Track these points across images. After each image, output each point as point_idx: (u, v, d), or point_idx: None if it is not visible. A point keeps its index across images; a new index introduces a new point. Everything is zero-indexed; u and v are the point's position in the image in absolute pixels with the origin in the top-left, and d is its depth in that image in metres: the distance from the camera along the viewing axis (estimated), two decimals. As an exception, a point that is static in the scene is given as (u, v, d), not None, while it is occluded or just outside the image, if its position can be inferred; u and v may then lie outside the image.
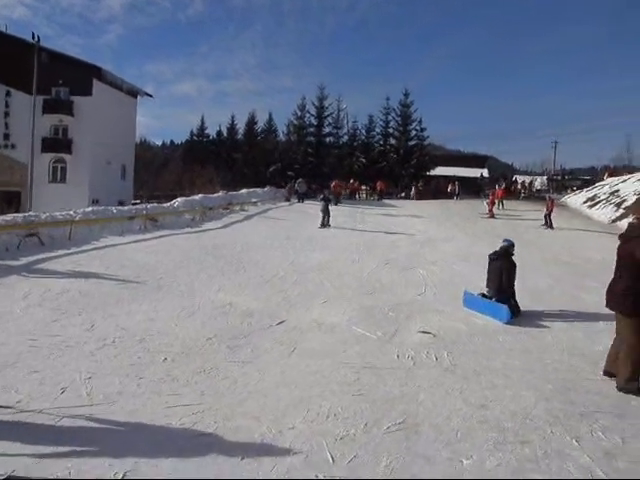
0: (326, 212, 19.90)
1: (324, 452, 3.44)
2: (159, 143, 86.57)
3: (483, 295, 8.25)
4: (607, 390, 4.68)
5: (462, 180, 41.84)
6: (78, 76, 33.29)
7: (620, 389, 4.78)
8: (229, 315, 7.67)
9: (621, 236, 5.20)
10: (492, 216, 25.15)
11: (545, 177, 51.49)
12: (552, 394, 4.70)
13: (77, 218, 14.75)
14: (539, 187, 43.30)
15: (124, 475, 3.12)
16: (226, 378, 5.09)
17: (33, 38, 31.39)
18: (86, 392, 4.62)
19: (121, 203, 29.66)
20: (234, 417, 4.09)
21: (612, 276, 5.12)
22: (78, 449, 3.51)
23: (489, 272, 8.33)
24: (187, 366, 5.42)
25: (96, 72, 34.17)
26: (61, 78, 33.02)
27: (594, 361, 5.72)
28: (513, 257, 8.38)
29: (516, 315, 7.80)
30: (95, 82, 34.04)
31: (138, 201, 34.22)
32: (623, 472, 3.32)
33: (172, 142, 78.45)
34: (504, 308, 7.62)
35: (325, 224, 19.65)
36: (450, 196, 35.99)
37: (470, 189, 39.55)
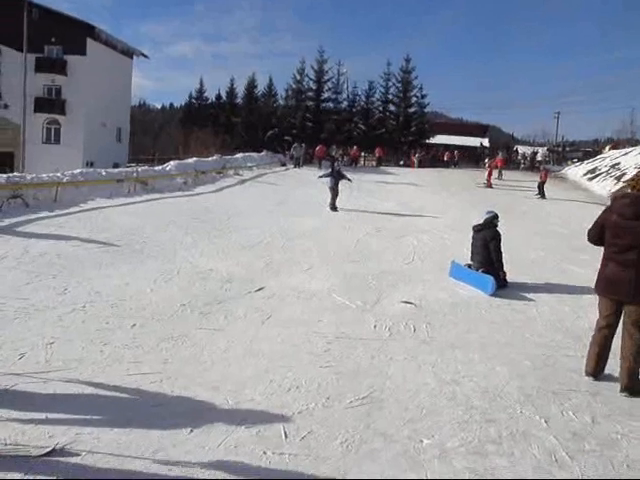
0: (335, 191, 15.55)
1: (278, 427, 3.28)
2: (159, 106, 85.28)
3: (469, 266, 8.05)
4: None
5: (462, 149, 41.33)
6: (71, 34, 32.48)
7: (631, 391, 4.12)
8: (208, 280, 7.48)
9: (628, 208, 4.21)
10: (490, 186, 24.85)
11: (546, 148, 50.63)
12: (528, 370, 4.52)
13: (64, 180, 14.43)
14: (540, 158, 42.63)
15: (63, 447, 2.95)
16: (193, 346, 4.92)
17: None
18: (45, 358, 4.45)
19: (116, 166, 29.19)
20: (193, 387, 3.92)
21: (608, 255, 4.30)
22: (23, 417, 3.34)
23: (473, 244, 8.11)
24: (155, 333, 5.24)
25: (90, 31, 33.35)
26: (54, 36, 32.21)
27: (577, 336, 5.55)
28: (497, 228, 8.12)
29: (503, 287, 7.62)
30: (89, 41, 33.25)
31: (134, 164, 33.80)
32: (588, 453, 3.15)
33: (172, 105, 77.34)
34: (489, 279, 7.42)
35: (333, 206, 15.38)
36: (448, 165, 35.47)
37: (470, 158, 39.00)
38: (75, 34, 32.50)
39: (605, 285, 4.34)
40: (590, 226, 4.58)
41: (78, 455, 2.87)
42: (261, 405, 3.63)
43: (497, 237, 7.93)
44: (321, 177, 16.48)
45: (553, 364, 4.70)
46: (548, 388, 4.12)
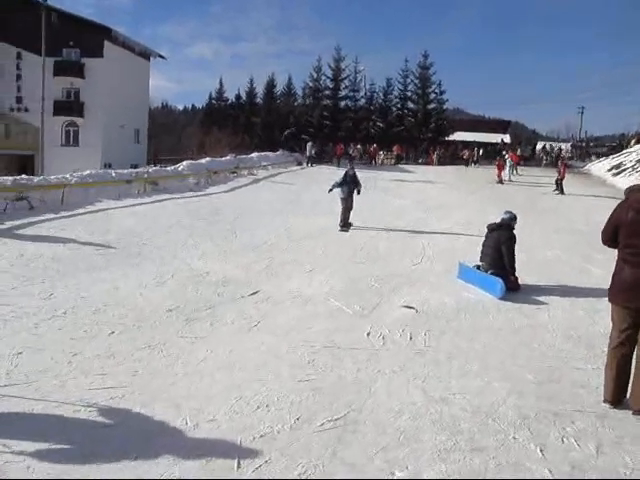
0: (348, 203, 12.00)
1: (233, 454, 2.91)
2: (181, 107, 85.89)
3: (478, 267, 7.57)
4: (596, 383, 3.97)
5: (482, 145, 40.32)
6: (89, 38, 32.63)
7: None
8: (202, 284, 7.18)
9: None
10: (500, 182, 24.36)
11: (569, 144, 49.14)
12: (529, 386, 4.05)
13: (73, 181, 14.35)
14: (563, 154, 41.36)
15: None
16: (168, 356, 4.61)
17: (41, -3, 30.65)
18: (7, 370, 4.17)
19: (134, 167, 29.22)
20: (154, 404, 3.60)
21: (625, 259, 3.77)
22: None
23: (484, 244, 7.61)
24: (133, 341, 4.95)
25: (107, 33, 33.43)
26: (71, 39, 32.39)
27: (590, 345, 5.07)
28: (514, 231, 7.61)
29: (514, 290, 7.13)
30: (106, 43, 33.34)
31: (153, 165, 33.80)
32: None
33: (193, 106, 77.62)
34: (498, 282, 6.94)
35: (346, 222, 11.99)
36: (467, 163, 34.56)
37: (490, 155, 38.00)
38: (92, 37, 32.64)
39: (621, 293, 3.76)
40: (603, 225, 4.04)
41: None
42: (221, 427, 3.27)
43: (511, 239, 7.41)
44: (331, 190, 12.36)
45: (559, 379, 4.21)
46: (550, 408, 3.63)
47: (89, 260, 8.15)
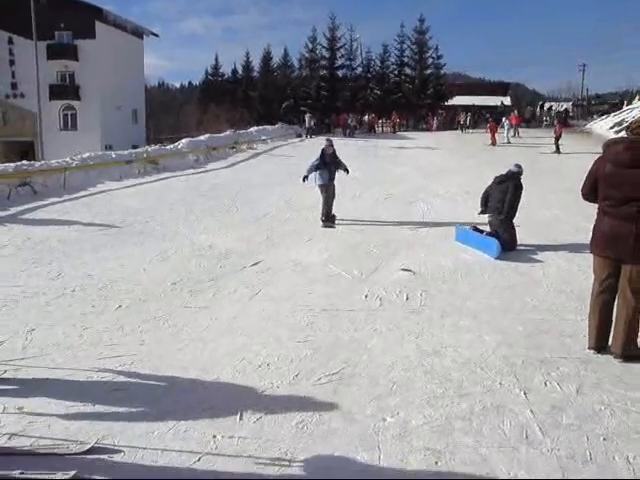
0: (330, 191, 9.58)
1: (235, 408, 3.12)
2: (177, 85, 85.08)
3: (475, 228, 7.71)
4: (583, 332, 4.13)
5: (482, 109, 39.94)
6: (80, 19, 32.35)
7: (626, 357, 3.77)
8: (204, 257, 7.36)
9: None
10: (493, 143, 24.72)
11: (570, 103, 48.41)
12: (519, 338, 4.23)
13: (73, 164, 14.48)
14: (554, 113, 40.77)
15: (6, 441, 2.86)
16: (174, 325, 4.80)
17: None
18: (22, 345, 4.38)
19: (134, 147, 29.28)
20: (162, 369, 3.80)
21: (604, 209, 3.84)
22: None
23: (491, 197, 7.70)
24: (139, 314, 5.14)
25: (98, 13, 33.13)
26: (62, 22, 32.14)
27: (582, 298, 5.18)
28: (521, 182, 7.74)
29: (511, 249, 7.28)
30: (98, 24, 33.07)
31: (153, 145, 33.77)
32: (564, 428, 2.89)
33: (190, 83, 76.83)
34: (494, 242, 7.10)
35: (328, 216, 9.52)
36: (462, 128, 34.08)
37: (490, 118, 37.61)
38: (83, 18, 32.31)
39: (601, 243, 3.90)
40: (583, 180, 4.15)
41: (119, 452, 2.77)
42: (225, 385, 3.48)
43: (518, 188, 7.56)
44: (307, 177, 9.55)
45: (548, 330, 4.39)
46: (537, 356, 3.82)
47: (94, 240, 8.33)
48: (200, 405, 3.17)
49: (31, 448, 2.77)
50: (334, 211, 9.68)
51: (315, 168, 9.48)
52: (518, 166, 7.85)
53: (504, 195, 7.50)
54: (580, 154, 20.14)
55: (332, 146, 9.68)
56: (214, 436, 2.83)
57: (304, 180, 9.58)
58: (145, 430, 2.93)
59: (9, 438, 2.88)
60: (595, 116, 39.17)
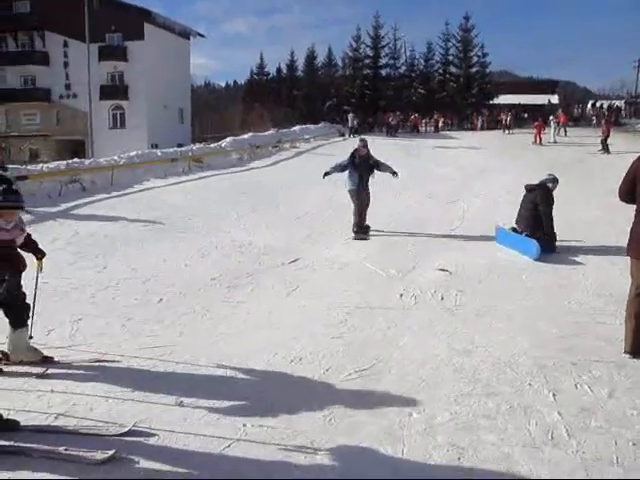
0: (362, 198, 8.51)
1: (266, 399, 3.23)
2: (223, 84, 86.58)
3: (514, 230, 7.60)
4: (620, 336, 4.03)
5: (528, 108, 38.93)
6: (129, 21, 33.41)
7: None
8: (244, 254, 7.54)
9: None
10: (539, 143, 24.51)
11: (623, 101, 46.53)
12: (552, 340, 4.19)
13: (121, 162, 14.99)
14: (600, 111, 39.08)
15: (53, 420, 3.06)
16: (211, 319, 4.97)
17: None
18: (70, 334, 4.62)
19: (180, 146, 30.02)
20: (199, 360, 3.95)
21: None
22: (44, 391, 3.46)
23: (521, 205, 7.61)
24: (179, 307, 5.33)
25: (147, 16, 34.10)
26: (113, 24, 33.20)
27: (621, 301, 5.03)
28: (553, 192, 7.55)
29: (551, 251, 7.14)
30: (146, 26, 34.06)
31: (198, 144, 34.53)
32: (591, 431, 2.86)
33: (235, 83, 78.13)
34: (534, 243, 6.98)
35: (360, 226, 8.45)
36: (503, 128, 32.95)
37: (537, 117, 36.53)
38: (133, 20, 33.37)
39: (638, 246, 3.85)
40: (621, 181, 4.07)
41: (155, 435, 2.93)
42: (257, 378, 3.59)
43: (548, 200, 7.38)
44: (328, 173, 8.77)
45: (583, 333, 4.32)
46: (569, 359, 3.78)
47: (138, 236, 8.63)
48: (233, 395, 3.30)
49: (74, 428, 2.97)
50: (367, 221, 8.58)
51: (342, 168, 8.62)
52: (551, 175, 7.70)
53: (533, 205, 7.34)
54: (630, 153, 19.42)
55: (366, 147, 8.66)
56: (244, 425, 2.95)
57: (324, 176, 8.79)
58: (179, 416, 3.07)
59: (55, 418, 3.09)
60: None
